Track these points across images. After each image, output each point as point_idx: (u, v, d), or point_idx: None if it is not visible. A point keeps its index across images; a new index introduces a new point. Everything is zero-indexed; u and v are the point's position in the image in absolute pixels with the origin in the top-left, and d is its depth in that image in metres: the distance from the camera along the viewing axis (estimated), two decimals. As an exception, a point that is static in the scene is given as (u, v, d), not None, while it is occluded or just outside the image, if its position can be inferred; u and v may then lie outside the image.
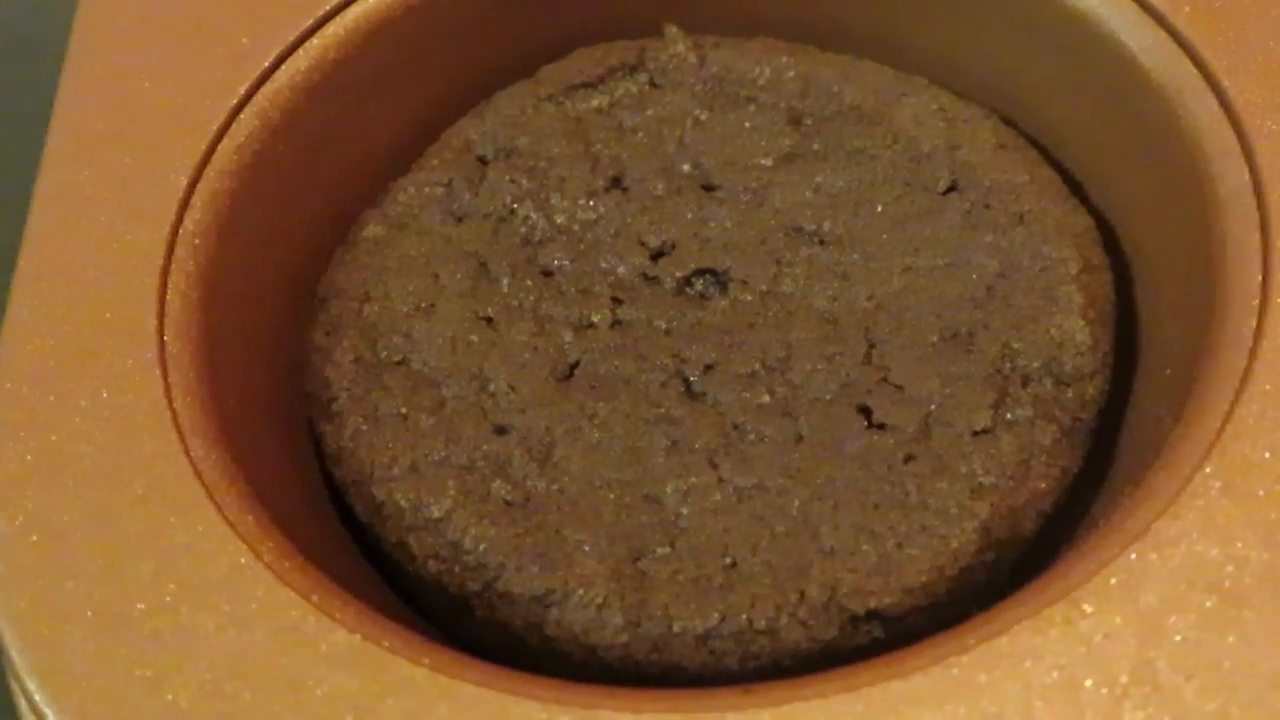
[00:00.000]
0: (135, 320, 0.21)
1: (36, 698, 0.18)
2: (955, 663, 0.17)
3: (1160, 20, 0.23)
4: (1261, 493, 0.18)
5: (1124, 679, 0.17)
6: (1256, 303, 0.20)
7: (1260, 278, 0.20)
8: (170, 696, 0.18)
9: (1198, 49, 0.23)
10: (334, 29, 0.26)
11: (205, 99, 0.24)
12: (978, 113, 0.26)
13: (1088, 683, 0.16)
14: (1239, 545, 0.17)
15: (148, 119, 0.24)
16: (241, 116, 0.25)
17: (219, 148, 0.24)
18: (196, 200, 0.23)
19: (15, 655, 0.18)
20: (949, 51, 0.27)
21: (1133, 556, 0.17)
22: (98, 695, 0.18)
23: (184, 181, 0.23)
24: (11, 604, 0.19)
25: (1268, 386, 0.19)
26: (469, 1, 0.27)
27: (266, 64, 0.25)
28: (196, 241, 0.22)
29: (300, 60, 0.25)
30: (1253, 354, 0.19)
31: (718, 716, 0.17)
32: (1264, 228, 0.20)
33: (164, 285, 0.21)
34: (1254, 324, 0.19)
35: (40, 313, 0.21)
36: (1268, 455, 0.18)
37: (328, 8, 0.26)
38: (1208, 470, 0.18)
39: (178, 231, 0.22)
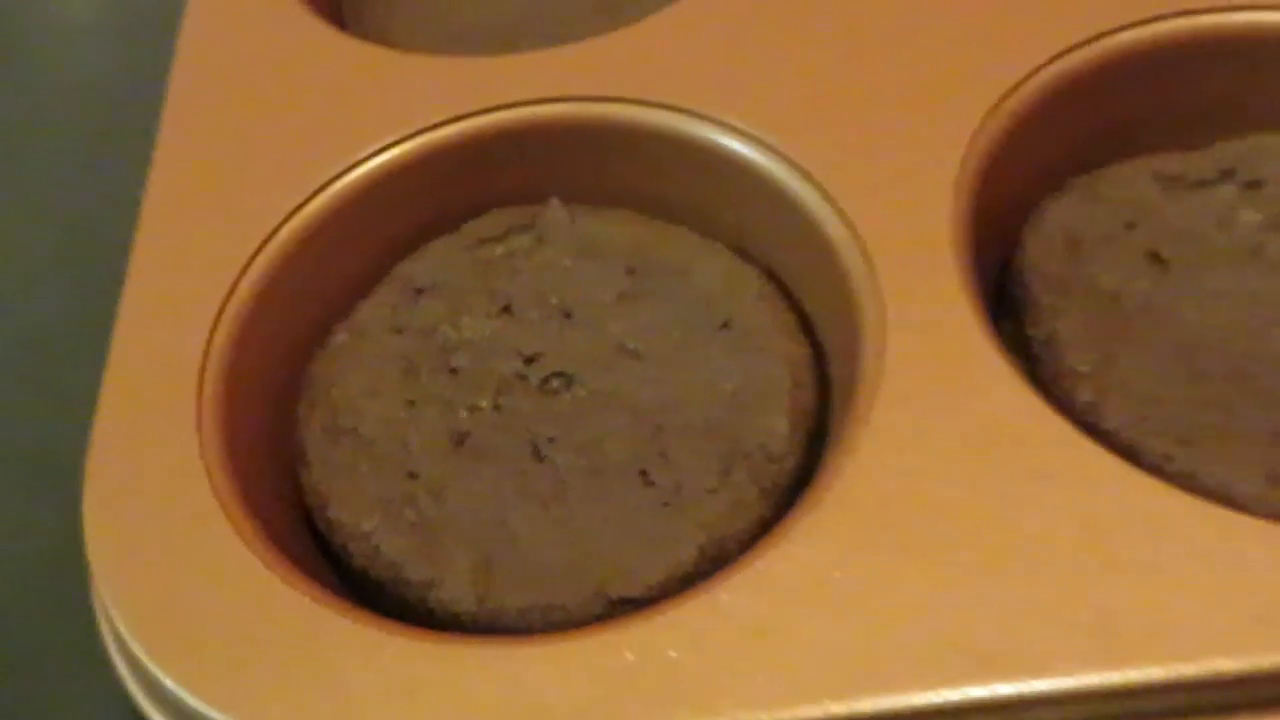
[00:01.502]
0: (181, 409, 0.33)
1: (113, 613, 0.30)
2: (641, 628, 0.29)
3: (825, 193, 0.35)
4: (855, 526, 0.30)
5: (744, 642, 0.28)
6: (869, 413, 0.32)
7: (872, 398, 0.32)
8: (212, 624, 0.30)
9: (851, 217, 0.35)
10: (320, 200, 0.38)
11: (232, 249, 0.37)
12: (751, 271, 0.38)
13: (719, 639, 0.29)
14: (833, 560, 0.29)
15: (195, 261, 0.37)
16: (256, 260, 0.37)
17: (239, 284, 0.36)
18: (223, 321, 0.35)
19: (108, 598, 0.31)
20: (736, 222, 0.39)
21: (763, 563, 0.30)
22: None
23: (215, 308, 0.36)
24: (111, 579, 0.31)
25: (870, 461, 0.31)
26: (415, 181, 0.39)
27: (275, 223, 0.38)
28: (223, 350, 0.35)
29: (296, 222, 0.38)
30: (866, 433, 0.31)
31: (505, 649, 0.29)
32: (880, 354, 0.32)
33: (201, 383, 0.34)
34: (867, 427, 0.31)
35: (124, 399, 0.34)
36: (865, 505, 0.30)
37: (317, 184, 0.38)
38: (820, 513, 0.30)
39: (211, 343, 0.35)
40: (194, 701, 0.29)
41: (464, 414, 0.36)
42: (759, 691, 0.27)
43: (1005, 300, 0.37)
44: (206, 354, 0.35)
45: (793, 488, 0.34)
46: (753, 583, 0.29)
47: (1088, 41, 0.37)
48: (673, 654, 0.28)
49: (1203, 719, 0.27)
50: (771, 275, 0.38)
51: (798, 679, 0.28)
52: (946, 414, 0.31)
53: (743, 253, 0.38)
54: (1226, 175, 0.37)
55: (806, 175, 0.36)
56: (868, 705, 0.27)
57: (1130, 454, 0.32)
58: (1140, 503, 0.29)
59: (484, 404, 0.36)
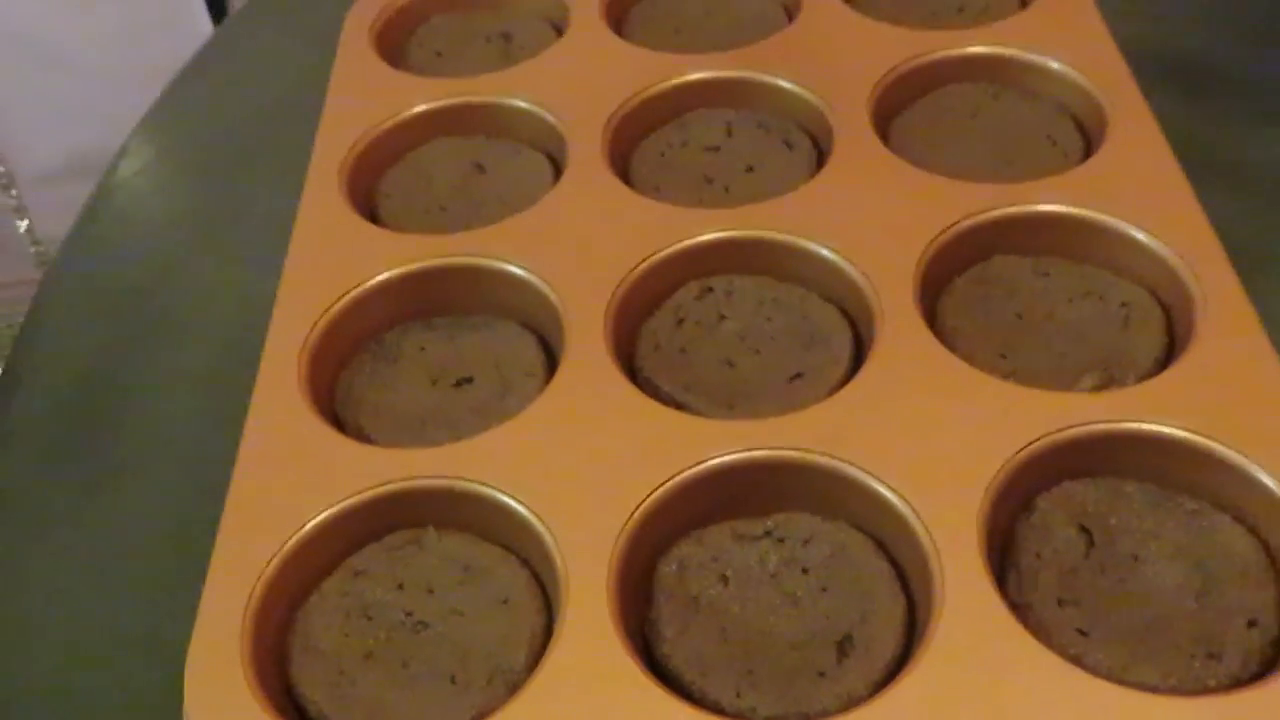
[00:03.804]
0: (230, 636, 0.69)
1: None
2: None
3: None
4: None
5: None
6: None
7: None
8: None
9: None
10: (307, 528, 0.75)
11: (253, 559, 0.73)
12: (523, 574, 0.74)
13: (464, 759, 0.64)
14: (519, 727, 0.65)
15: (239, 565, 0.73)
16: (271, 562, 0.73)
17: (262, 574, 0.72)
18: (253, 595, 0.71)
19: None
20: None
21: (490, 728, 0.65)
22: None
23: (248, 591, 0.71)
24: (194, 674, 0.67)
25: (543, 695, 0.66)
26: (356, 518, 0.76)
27: (287, 535, 0.74)
28: (254, 610, 0.70)
29: (293, 541, 0.74)
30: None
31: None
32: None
33: (242, 626, 0.69)
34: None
35: (208, 626, 0.70)
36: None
37: (302, 522, 0.75)
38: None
39: (248, 606, 0.70)
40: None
41: (371, 642, 0.72)
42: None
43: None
44: (245, 610, 0.71)
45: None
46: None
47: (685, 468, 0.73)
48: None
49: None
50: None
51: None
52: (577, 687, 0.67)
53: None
54: (767, 534, 0.73)
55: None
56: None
57: (676, 684, 0.67)
58: (658, 710, 0.64)
59: (383, 636, 0.72)
